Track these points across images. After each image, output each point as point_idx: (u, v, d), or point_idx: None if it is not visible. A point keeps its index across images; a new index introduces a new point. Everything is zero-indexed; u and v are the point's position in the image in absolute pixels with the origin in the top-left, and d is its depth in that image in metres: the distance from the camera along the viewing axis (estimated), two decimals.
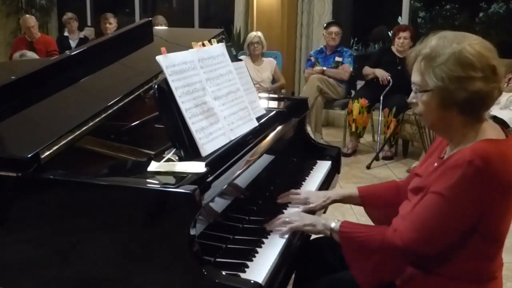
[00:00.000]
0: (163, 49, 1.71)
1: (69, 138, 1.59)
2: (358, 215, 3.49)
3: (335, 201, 1.97)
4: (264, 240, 1.67)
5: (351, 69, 5.60)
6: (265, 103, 2.46)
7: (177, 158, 1.61)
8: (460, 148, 1.46)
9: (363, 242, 1.53)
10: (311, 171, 2.40)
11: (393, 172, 4.80)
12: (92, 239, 1.46)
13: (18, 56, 5.11)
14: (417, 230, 1.45)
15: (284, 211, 1.91)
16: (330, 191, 2.19)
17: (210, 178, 1.51)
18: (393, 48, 5.38)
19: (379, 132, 5.27)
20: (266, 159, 2.06)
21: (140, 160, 1.68)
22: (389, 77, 5.19)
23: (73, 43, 7.08)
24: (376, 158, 5.03)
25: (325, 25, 5.87)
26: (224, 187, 1.61)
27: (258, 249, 1.61)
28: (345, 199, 1.97)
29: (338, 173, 2.61)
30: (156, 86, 1.67)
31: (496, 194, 1.40)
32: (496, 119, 3.81)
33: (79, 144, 1.70)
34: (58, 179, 1.48)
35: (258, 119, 2.03)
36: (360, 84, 5.85)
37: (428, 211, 1.44)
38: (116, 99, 1.80)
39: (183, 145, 1.66)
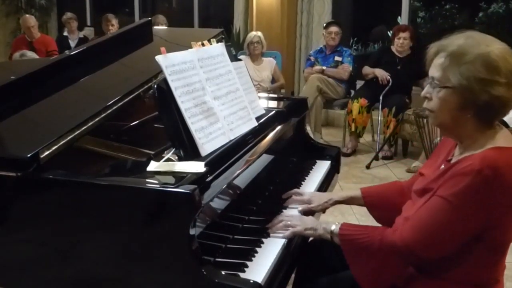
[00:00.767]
0: (162, 49, 1.71)
1: (69, 138, 1.59)
2: (357, 215, 3.49)
3: (337, 202, 1.97)
4: (264, 240, 1.67)
5: (350, 68, 5.59)
6: (265, 103, 2.46)
7: (176, 158, 1.61)
8: (469, 154, 1.44)
9: (363, 244, 1.53)
10: (310, 171, 2.40)
11: (392, 172, 4.80)
12: (91, 239, 1.46)
13: (18, 56, 5.11)
14: (418, 232, 1.45)
15: (284, 211, 1.91)
16: (333, 193, 2.19)
17: (210, 178, 1.51)
18: (393, 48, 5.38)
19: (378, 132, 5.27)
20: (266, 159, 2.05)
21: (140, 160, 1.68)
22: (389, 77, 5.19)
23: (72, 43, 7.08)
24: (376, 158, 5.03)
25: (324, 24, 5.88)
26: (224, 187, 1.60)
27: (257, 249, 1.61)
28: (348, 201, 1.96)
29: (338, 173, 2.61)
30: (155, 86, 1.67)
31: (504, 204, 1.39)
32: None
33: (79, 144, 1.70)
34: (57, 179, 1.48)
35: (258, 119, 2.03)
36: (359, 84, 5.85)
37: (431, 215, 1.44)
38: (116, 99, 1.80)
39: (182, 145, 1.66)
